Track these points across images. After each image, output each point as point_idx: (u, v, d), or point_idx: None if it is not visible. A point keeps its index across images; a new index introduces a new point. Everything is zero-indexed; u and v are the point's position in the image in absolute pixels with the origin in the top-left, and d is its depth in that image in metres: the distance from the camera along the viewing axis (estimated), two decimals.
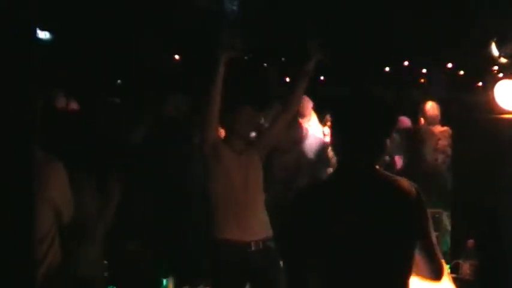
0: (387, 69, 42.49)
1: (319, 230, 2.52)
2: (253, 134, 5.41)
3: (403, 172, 6.47)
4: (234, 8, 35.44)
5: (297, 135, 5.20)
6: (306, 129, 5.44)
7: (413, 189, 2.69)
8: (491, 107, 4.73)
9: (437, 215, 3.92)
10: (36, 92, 2.61)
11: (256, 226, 4.69)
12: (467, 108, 5.11)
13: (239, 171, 4.68)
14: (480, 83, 31.75)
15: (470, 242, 3.71)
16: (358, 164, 2.57)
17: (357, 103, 2.61)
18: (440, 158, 5.34)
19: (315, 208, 2.53)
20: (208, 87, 4.61)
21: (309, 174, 4.89)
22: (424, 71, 43.00)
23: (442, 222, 4.06)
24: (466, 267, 3.74)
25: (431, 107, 6.10)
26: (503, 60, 5.35)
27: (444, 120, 6.02)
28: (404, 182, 2.71)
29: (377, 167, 2.73)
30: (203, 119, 4.64)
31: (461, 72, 41.30)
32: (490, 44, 5.35)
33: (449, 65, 42.02)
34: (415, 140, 5.93)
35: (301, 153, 5.17)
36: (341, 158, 2.57)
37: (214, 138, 4.54)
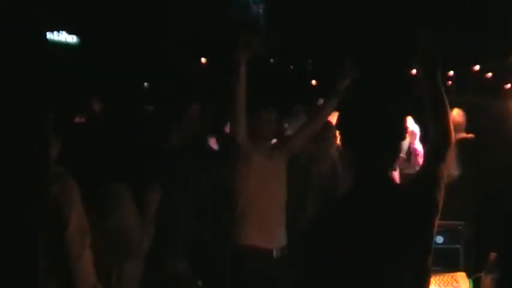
0: (414, 71, 42.29)
1: (339, 252, 2.52)
2: (273, 140, 5.38)
3: None
4: (261, 11, 35.52)
5: (331, 145, 5.21)
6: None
7: (428, 196, 2.65)
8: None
9: (459, 227, 3.94)
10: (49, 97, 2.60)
11: (278, 233, 4.68)
12: (493, 117, 5.11)
13: (268, 177, 4.65)
14: (509, 85, 31.46)
15: (493, 255, 3.74)
16: (374, 178, 2.55)
17: (365, 113, 2.57)
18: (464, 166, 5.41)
19: (334, 231, 2.53)
20: (231, 90, 4.58)
21: (344, 181, 4.91)
22: (451, 73, 42.77)
23: (463, 234, 4.09)
24: (487, 281, 3.76)
25: (457, 114, 6.10)
26: None
27: (470, 128, 6.01)
28: (417, 190, 2.66)
29: (392, 174, 2.72)
30: (231, 121, 4.64)
31: (489, 75, 41.00)
32: None
33: (477, 67, 41.75)
34: None
35: (336, 160, 5.19)
36: (356, 173, 2.55)
37: (243, 141, 4.53)
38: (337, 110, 3.04)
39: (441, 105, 2.73)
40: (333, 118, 5.47)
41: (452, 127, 2.74)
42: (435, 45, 2.77)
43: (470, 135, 5.50)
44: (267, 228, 4.55)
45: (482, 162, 4.72)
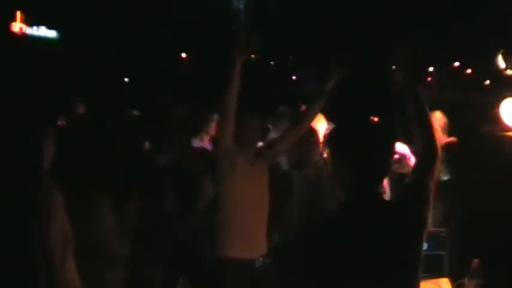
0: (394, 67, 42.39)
1: (331, 267, 2.53)
2: (260, 144, 5.30)
3: None
4: (241, 6, 35.48)
5: (315, 149, 5.12)
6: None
7: (418, 211, 2.68)
8: (497, 124, 4.73)
9: (443, 234, 3.93)
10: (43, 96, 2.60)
11: (260, 242, 4.60)
12: (473, 121, 5.09)
13: (251, 183, 4.56)
14: (488, 82, 31.70)
15: (476, 262, 3.74)
16: (364, 196, 2.57)
17: (355, 133, 2.59)
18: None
19: (326, 247, 2.54)
20: (223, 89, 4.48)
21: (330, 189, 4.79)
22: (431, 69, 43.05)
23: (447, 241, 4.10)
24: (471, 287, 3.78)
25: (439, 118, 6.00)
26: (509, 72, 5.34)
27: (454, 127, 5.98)
28: (407, 206, 2.69)
29: (381, 191, 2.74)
30: (219, 123, 4.52)
31: (469, 71, 41.35)
32: (497, 56, 5.33)
33: (457, 64, 42.06)
34: None
35: (321, 166, 5.08)
36: (345, 190, 2.56)
37: (230, 144, 4.44)
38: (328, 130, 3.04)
39: (424, 117, 2.75)
40: (317, 122, 5.44)
41: (436, 138, 2.76)
42: (414, 59, 2.80)
43: (453, 139, 5.47)
44: (249, 238, 4.50)
45: (467, 167, 4.72)
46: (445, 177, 5.01)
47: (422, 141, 2.77)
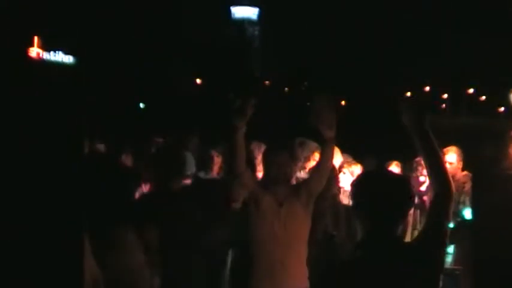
0: (408, 94, 42.51)
1: None
2: (301, 175, 5.29)
3: None
4: (256, 32, 35.72)
5: (332, 184, 5.16)
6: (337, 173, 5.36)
7: (435, 255, 2.76)
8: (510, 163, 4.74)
9: (457, 272, 3.96)
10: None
11: (290, 281, 4.57)
12: (488, 156, 5.09)
13: (278, 224, 4.53)
14: (502, 108, 31.60)
15: None
16: (385, 240, 2.66)
17: (379, 186, 2.70)
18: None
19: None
20: (229, 157, 4.51)
21: (346, 219, 4.82)
22: (445, 96, 42.99)
23: (461, 279, 4.13)
24: None
25: (456, 153, 5.99)
26: None
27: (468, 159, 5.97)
28: (424, 250, 2.78)
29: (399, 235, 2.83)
30: (230, 167, 4.53)
31: (483, 98, 41.24)
32: (510, 93, 5.39)
33: (471, 91, 41.99)
34: None
35: (337, 200, 5.09)
36: (367, 234, 2.65)
37: (252, 185, 4.45)
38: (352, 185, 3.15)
39: (435, 159, 2.82)
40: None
41: (450, 179, 2.82)
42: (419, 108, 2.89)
43: (466, 172, 5.47)
44: (275, 275, 4.49)
45: (482, 208, 4.73)
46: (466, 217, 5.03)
47: (436, 183, 2.84)
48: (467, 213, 4.99)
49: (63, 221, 2.58)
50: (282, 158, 4.60)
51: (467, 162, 5.56)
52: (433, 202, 2.84)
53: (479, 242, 4.54)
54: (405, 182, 2.75)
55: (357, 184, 2.76)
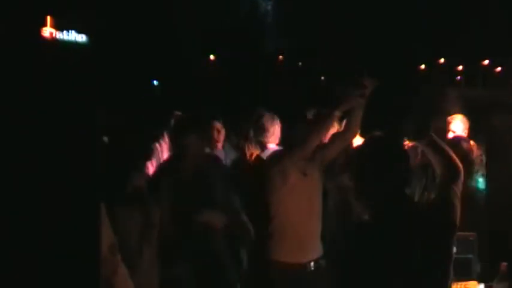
0: (422, 66, 42.29)
1: (371, 267, 2.69)
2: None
3: None
4: (269, 8, 35.54)
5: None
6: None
7: (448, 214, 2.81)
8: None
9: (471, 238, 3.96)
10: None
11: (313, 247, 4.63)
12: (502, 126, 5.08)
13: (304, 194, 4.57)
14: None
15: (503, 265, 3.77)
16: (392, 204, 2.71)
17: (376, 155, 2.76)
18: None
19: (367, 250, 2.69)
20: (320, 120, 4.57)
21: None
22: (460, 67, 42.69)
23: (475, 244, 4.13)
24: None
25: (462, 122, 5.97)
26: None
27: (477, 132, 5.95)
28: (438, 209, 2.82)
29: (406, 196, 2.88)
30: (301, 146, 4.57)
31: (498, 69, 40.91)
32: None
33: (486, 62, 41.66)
34: None
35: None
36: (374, 201, 2.70)
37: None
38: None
39: (444, 157, 2.91)
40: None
41: (456, 161, 2.89)
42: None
43: (473, 143, 5.47)
44: (302, 243, 4.57)
45: (494, 171, 4.76)
46: (481, 185, 5.07)
47: (442, 166, 2.91)
48: (479, 182, 5.02)
49: (81, 191, 2.63)
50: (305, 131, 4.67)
51: (479, 133, 5.58)
52: (441, 178, 2.90)
53: (494, 209, 4.60)
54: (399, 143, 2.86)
55: (361, 154, 2.84)
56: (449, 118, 6.28)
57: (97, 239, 2.66)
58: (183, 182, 4.75)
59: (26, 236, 2.49)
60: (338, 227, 4.93)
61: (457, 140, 5.14)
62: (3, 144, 2.46)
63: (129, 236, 3.64)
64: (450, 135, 5.99)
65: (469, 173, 4.70)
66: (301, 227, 4.57)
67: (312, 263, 4.61)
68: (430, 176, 5.13)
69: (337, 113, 4.68)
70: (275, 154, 4.95)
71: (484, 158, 5.30)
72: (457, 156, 4.70)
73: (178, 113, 6.47)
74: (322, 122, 4.65)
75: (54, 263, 2.53)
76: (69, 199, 2.57)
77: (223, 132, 6.46)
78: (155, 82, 30.53)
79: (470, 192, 4.54)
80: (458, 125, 6.16)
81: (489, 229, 4.49)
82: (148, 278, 3.78)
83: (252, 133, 5.61)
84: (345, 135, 4.78)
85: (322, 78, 38.42)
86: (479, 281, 3.98)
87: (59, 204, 2.52)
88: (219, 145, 6.47)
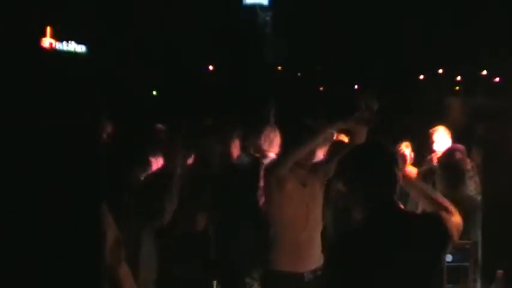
0: (421, 77, 42.42)
1: (360, 272, 2.69)
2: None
3: None
4: (268, 18, 35.72)
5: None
6: None
7: (438, 224, 2.83)
8: None
9: (467, 246, 3.99)
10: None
11: (311, 258, 4.66)
12: (500, 136, 5.11)
13: (302, 204, 4.58)
14: None
15: (500, 273, 3.80)
16: (383, 207, 2.74)
17: (372, 157, 2.79)
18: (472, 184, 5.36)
19: (356, 255, 2.69)
20: (298, 146, 4.55)
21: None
22: (459, 78, 42.81)
23: (472, 253, 4.17)
24: None
25: (440, 134, 6.02)
26: None
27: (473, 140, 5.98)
28: (428, 218, 2.86)
29: (397, 202, 2.92)
30: (287, 155, 4.54)
31: (497, 79, 41.03)
32: None
33: (484, 72, 41.82)
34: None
35: None
36: (369, 205, 2.73)
37: (285, 173, 4.52)
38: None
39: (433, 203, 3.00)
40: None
41: (444, 203, 2.94)
42: None
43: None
44: (299, 254, 4.56)
45: (489, 178, 4.78)
46: (478, 197, 5.08)
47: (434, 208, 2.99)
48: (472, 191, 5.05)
49: (84, 187, 2.67)
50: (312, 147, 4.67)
51: (477, 141, 5.59)
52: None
53: (489, 217, 4.62)
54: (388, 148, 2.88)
55: (349, 159, 2.87)
56: (431, 130, 6.35)
57: (97, 240, 2.69)
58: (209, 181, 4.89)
59: (26, 235, 2.51)
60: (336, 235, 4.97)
61: (452, 150, 5.16)
62: (4, 151, 2.49)
63: (130, 232, 3.70)
64: (435, 146, 6.03)
65: (462, 182, 4.73)
66: (299, 237, 4.57)
67: (310, 273, 4.61)
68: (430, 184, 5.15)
69: (331, 130, 4.71)
70: (272, 162, 4.98)
71: (474, 168, 5.33)
72: (448, 167, 4.76)
73: (160, 125, 6.51)
74: (313, 137, 4.65)
75: (54, 263, 2.55)
76: (69, 200, 2.60)
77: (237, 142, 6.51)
78: (154, 92, 30.62)
79: (465, 200, 4.57)
80: (441, 136, 6.21)
81: (485, 237, 4.51)
82: (147, 274, 3.85)
83: (261, 144, 5.71)
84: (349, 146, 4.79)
85: (321, 88, 38.57)
86: None
87: (59, 204, 2.55)
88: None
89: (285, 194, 4.53)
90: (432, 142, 6.23)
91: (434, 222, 2.77)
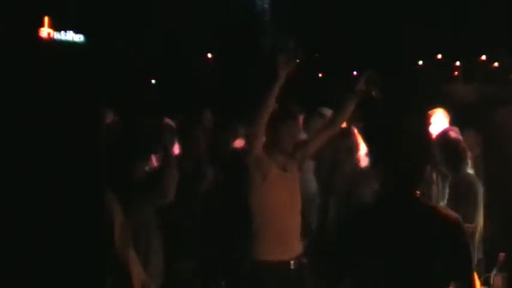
0: (420, 62, 42.31)
1: (362, 258, 2.64)
2: None
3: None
4: (266, 6, 35.54)
5: (352, 144, 5.15)
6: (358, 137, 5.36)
7: (456, 223, 2.74)
8: None
9: (469, 230, 3.98)
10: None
11: (295, 244, 4.61)
12: (500, 121, 5.10)
13: (284, 189, 4.54)
14: None
15: (502, 255, 3.81)
16: (401, 194, 2.66)
17: (397, 136, 2.66)
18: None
19: (359, 239, 2.65)
20: (263, 93, 4.44)
21: (366, 183, 4.85)
22: (457, 63, 42.68)
23: (475, 237, 4.18)
24: (498, 281, 3.84)
25: (442, 115, 5.96)
26: None
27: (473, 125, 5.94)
28: (448, 214, 2.75)
29: (418, 194, 2.80)
30: (252, 127, 4.43)
31: (496, 64, 40.95)
32: None
33: (483, 57, 41.70)
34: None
35: (356, 162, 5.12)
36: (383, 187, 2.66)
37: (259, 151, 4.41)
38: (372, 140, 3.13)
39: None
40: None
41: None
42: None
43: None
44: (284, 242, 4.56)
45: (491, 164, 4.79)
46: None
47: None
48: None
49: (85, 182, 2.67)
50: (292, 126, 4.64)
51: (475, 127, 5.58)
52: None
53: (491, 201, 4.63)
54: (422, 132, 2.76)
55: (375, 139, 2.77)
56: (430, 112, 6.32)
57: (98, 240, 2.71)
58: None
59: (26, 235, 2.52)
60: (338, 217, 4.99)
61: (446, 130, 5.15)
62: (2, 144, 2.48)
63: (139, 225, 3.76)
64: (432, 128, 6.01)
65: (463, 160, 4.73)
66: (285, 224, 4.57)
67: (294, 261, 4.61)
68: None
69: (278, 84, 4.58)
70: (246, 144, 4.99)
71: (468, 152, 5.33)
72: (447, 147, 4.73)
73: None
74: (264, 97, 4.58)
75: (54, 263, 2.56)
76: (70, 199, 2.60)
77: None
78: (153, 81, 30.58)
79: (468, 180, 4.58)
80: (439, 118, 6.20)
81: (486, 220, 4.53)
82: (154, 267, 3.90)
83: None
84: (327, 131, 4.77)
85: (320, 75, 38.47)
86: (478, 272, 4.01)
87: (59, 203, 2.55)
88: None
89: (268, 182, 4.52)
90: (429, 124, 6.23)
91: (453, 230, 2.72)
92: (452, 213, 2.72)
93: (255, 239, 4.57)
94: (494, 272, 3.93)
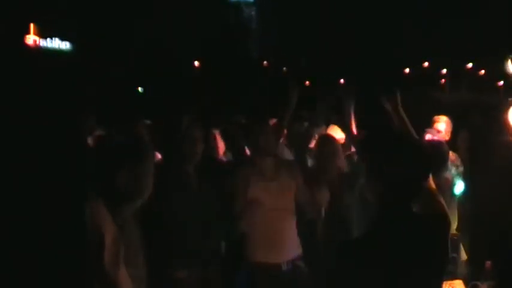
0: (407, 70, 42.50)
1: (366, 275, 2.62)
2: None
3: None
4: (253, 13, 35.69)
5: (336, 157, 5.29)
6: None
7: (445, 224, 2.78)
8: (506, 130, 4.76)
9: (455, 237, 3.98)
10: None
11: (287, 247, 4.61)
12: (486, 128, 5.09)
13: (269, 198, 4.53)
14: (501, 82, 31.60)
15: (488, 264, 3.80)
16: (399, 211, 2.63)
17: (397, 153, 2.63)
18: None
19: (365, 261, 2.62)
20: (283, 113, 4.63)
21: (349, 188, 4.98)
22: (444, 71, 42.94)
23: (460, 244, 4.17)
24: None
25: (446, 122, 5.98)
26: None
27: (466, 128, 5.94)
28: (438, 219, 2.78)
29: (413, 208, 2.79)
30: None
31: (482, 72, 41.24)
32: (506, 61, 5.37)
33: (470, 65, 41.97)
34: None
35: (342, 171, 5.24)
36: (382, 205, 2.62)
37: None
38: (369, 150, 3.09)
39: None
40: (334, 132, 5.58)
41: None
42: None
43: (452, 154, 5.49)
44: (274, 245, 4.55)
45: (479, 175, 4.77)
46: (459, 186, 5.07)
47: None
48: (458, 187, 5.03)
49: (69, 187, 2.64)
50: (263, 127, 4.64)
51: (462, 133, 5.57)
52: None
53: (476, 208, 4.62)
54: (423, 149, 2.73)
55: (375, 156, 2.73)
56: (435, 118, 6.32)
57: (83, 239, 2.68)
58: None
59: (22, 236, 2.49)
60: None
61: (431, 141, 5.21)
62: None
63: (130, 234, 3.68)
64: (427, 136, 6.01)
65: (443, 166, 4.72)
66: (275, 226, 4.56)
67: (288, 263, 4.60)
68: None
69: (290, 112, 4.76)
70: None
71: (460, 163, 5.33)
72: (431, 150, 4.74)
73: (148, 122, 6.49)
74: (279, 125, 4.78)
75: (53, 263, 2.53)
76: (58, 200, 2.58)
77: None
78: (140, 89, 30.50)
79: (448, 184, 4.59)
80: (442, 126, 6.20)
81: (472, 228, 4.51)
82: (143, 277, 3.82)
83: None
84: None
85: (307, 83, 38.57)
86: (465, 280, 3.99)
87: (41, 204, 2.52)
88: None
89: (251, 190, 4.51)
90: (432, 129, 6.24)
91: (439, 220, 2.72)
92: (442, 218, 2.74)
93: (246, 242, 4.57)
94: (481, 280, 3.91)
